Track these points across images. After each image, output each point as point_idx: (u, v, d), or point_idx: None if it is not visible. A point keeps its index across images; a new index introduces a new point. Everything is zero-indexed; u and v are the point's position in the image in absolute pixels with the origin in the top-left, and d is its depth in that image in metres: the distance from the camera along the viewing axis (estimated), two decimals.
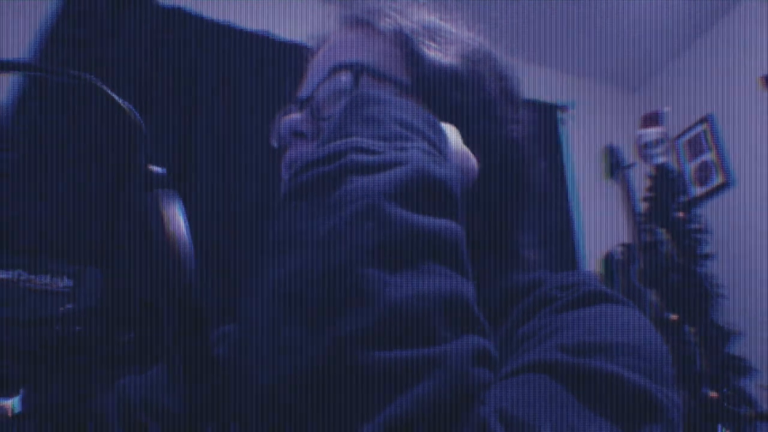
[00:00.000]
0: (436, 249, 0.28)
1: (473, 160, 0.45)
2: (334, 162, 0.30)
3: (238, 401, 0.26)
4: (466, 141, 0.46)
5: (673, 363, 0.36)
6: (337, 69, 0.48)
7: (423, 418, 0.22)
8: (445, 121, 0.43)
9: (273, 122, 0.53)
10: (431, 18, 0.52)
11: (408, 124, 0.34)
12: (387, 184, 0.29)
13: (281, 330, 0.25)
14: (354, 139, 0.32)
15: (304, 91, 0.52)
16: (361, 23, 0.51)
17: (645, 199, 2.32)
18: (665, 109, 2.49)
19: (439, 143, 0.35)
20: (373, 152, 0.31)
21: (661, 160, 2.34)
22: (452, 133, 0.42)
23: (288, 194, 0.31)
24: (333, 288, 0.25)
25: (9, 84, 1.62)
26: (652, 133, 2.38)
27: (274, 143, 0.52)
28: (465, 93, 0.48)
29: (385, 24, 0.50)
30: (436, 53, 0.49)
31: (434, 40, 0.49)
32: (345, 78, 0.47)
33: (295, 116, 0.48)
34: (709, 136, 2.57)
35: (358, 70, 0.47)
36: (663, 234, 2.19)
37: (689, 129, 2.67)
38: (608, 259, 2.33)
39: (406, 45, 0.49)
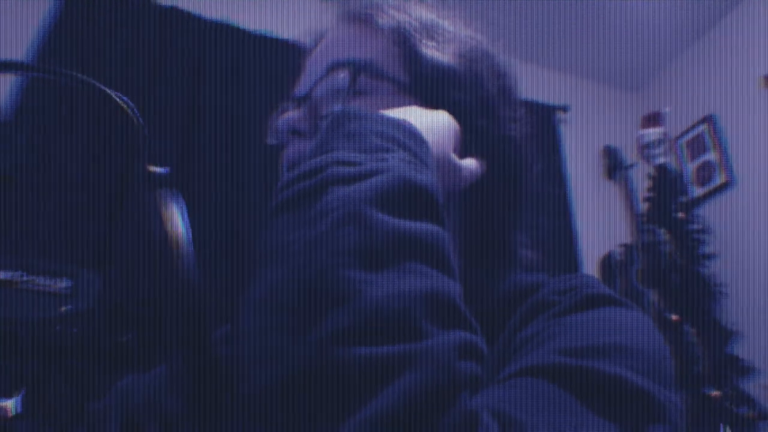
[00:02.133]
0: (419, 250, 0.28)
1: (469, 167, 0.45)
2: (316, 176, 0.31)
3: (231, 404, 0.26)
4: (465, 140, 0.46)
5: (673, 363, 0.36)
6: (334, 66, 0.48)
7: (407, 412, 0.23)
8: None
9: (270, 120, 0.53)
10: (429, 15, 0.51)
11: (388, 137, 0.34)
12: (367, 192, 0.29)
13: (267, 336, 0.26)
14: (334, 153, 0.32)
15: (301, 89, 0.52)
16: (359, 20, 0.51)
17: (646, 200, 2.32)
18: (666, 109, 2.49)
19: (420, 153, 0.35)
20: (354, 164, 0.31)
21: (661, 160, 2.34)
22: (445, 138, 0.42)
23: (273, 210, 0.31)
24: (315, 291, 0.26)
25: (9, 84, 1.62)
26: (653, 133, 2.38)
27: (272, 141, 0.52)
28: (464, 92, 0.48)
29: (384, 21, 0.50)
30: (434, 51, 0.48)
31: (433, 38, 0.49)
32: (343, 76, 0.47)
33: (293, 114, 0.48)
34: (710, 136, 2.57)
35: (355, 68, 0.47)
36: (664, 234, 2.19)
37: (690, 129, 2.67)
38: (608, 260, 2.32)
39: (404, 43, 0.48)
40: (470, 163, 0.45)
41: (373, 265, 0.27)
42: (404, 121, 0.37)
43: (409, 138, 0.36)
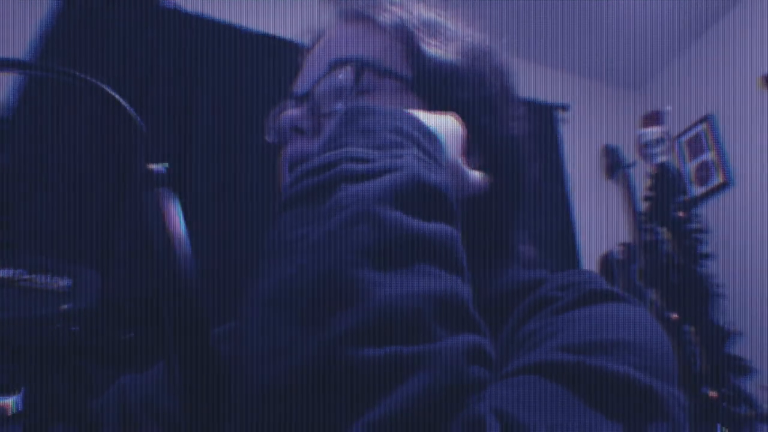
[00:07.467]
0: (430, 251, 0.28)
1: (475, 177, 0.44)
2: (327, 172, 0.30)
3: (235, 402, 0.26)
4: (469, 141, 0.45)
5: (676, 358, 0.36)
6: (337, 64, 0.47)
7: (414, 415, 0.22)
8: None
9: (268, 118, 0.53)
10: (431, 14, 0.51)
11: (403, 133, 0.34)
12: (380, 190, 0.29)
13: (275, 333, 0.25)
14: (347, 149, 0.32)
15: (301, 86, 0.51)
16: (360, 17, 0.51)
17: (645, 199, 2.32)
18: (666, 108, 2.49)
19: (434, 151, 0.35)
20: (367, 161, 0.31)
21: (661, 159, 2.33)
22: (453, 142, 0.41)
23: (282, 205, 0.31)
24: (326, 289, 0.25)
25: (9, 84, 1.62)
26: (653, 132, 2.38)
27: (270, 139, 0.52)
28: (467, 89, 0.48)
29: (385, 19, 0.49)
30: (437, 49, 0.48)
31: (435, 36, 0.49)
32: (346, 73, 0.46)
33: (294, 112, 0.48)
34: (709, 136, 2.57)
35: (359, 65, 0.46)
36: (664, 233, 2.19)
37: (689, 129, 2.67)
38: (608, 259, 2.32)
39: (406, 40, 0.48)
40: (477, 174, 0.45)
41: (384, 265, 0.26)
42: (418, 117, 0.37)
43: (423, 135, 0.35)
